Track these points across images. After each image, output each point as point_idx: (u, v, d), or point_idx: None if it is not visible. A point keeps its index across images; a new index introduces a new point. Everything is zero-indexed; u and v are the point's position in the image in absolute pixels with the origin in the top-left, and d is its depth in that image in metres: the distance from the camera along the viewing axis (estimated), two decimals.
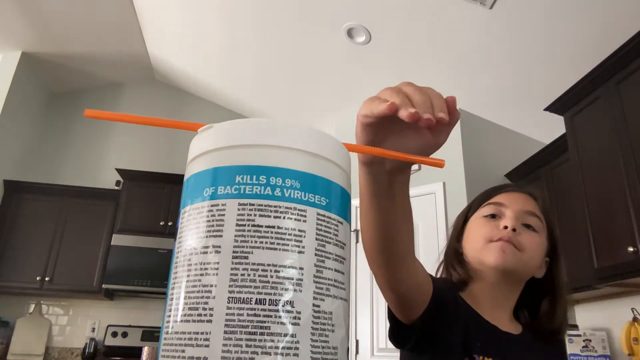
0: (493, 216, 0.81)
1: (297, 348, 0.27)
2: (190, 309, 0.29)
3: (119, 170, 3.87)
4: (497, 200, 0.83)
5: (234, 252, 0.29)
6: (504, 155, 3.41)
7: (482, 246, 0.79)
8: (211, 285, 0.28)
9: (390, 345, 0.83)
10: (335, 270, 0.31)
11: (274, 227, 0.29)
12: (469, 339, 0.73)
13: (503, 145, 3.50)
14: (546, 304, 0.83)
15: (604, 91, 2.42)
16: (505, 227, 0.77)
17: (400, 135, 0.47)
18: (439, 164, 0.42)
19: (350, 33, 3.07)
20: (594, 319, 2.95)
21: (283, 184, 0.30)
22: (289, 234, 0.29)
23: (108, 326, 3.72)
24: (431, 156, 0.45)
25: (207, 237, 0.30)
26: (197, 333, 0.28)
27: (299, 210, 0.30)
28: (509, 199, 0.83)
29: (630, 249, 2.13)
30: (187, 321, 0.28)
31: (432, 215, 3.17)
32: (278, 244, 0.29)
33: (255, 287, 0.28)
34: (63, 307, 3.87)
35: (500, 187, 0.88)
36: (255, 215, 0.29)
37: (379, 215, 0.56)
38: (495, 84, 3.19)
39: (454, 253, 0.86)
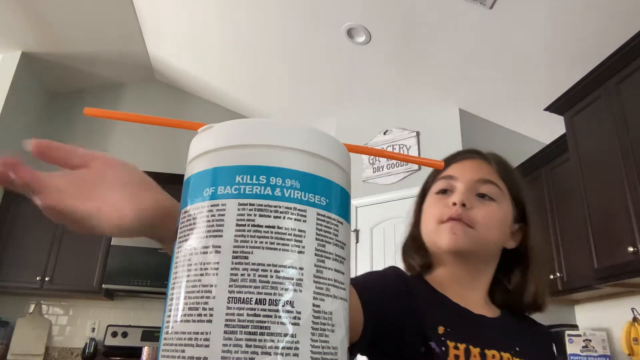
0: (445, 191, 0.74)
1: (297, 348, 0.27)
2: (190, 309, 0.29)
3: None
4: (448, 172, 0.75)
5: (234, 252, 0.29)
6: (504, 155, 3.41)
7: (434, 228, 0.72)
8: (211, 285, 0.28)
9: None
10: (335, 270, 0.31)
11: (274, 227, 0.29)
12: (435, 326, 0.65)
13: (503, 145, 3.48)
14: (517, 275, 0.75)
15: (604, 91, 2.42)
16: (455, 204, 0.70)
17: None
18: (439, 165, 0.43)
19: (350, 33, 3.07)
20: (594, 319, 2.95)
21: (283, 184, 0.30)
22: (289, 234, 0.29)
23: (108, 326, 3.72)
24: (430, 158, 0.46)
25: (207, 237, 0.30)
26: (197, 333, 0.28)
27: (299, 210, 0.30)
28: (460, 169, 0.75)
29: (630, 249, 2.13)
30: (187, 321, 0.28)
31: None
32: (278, 244, 0.29)
33: (255, 287, 0.28)
34: (63, 307, 3.87)
35: (452, 157, 0.79)
36: (255, 215, 0.29)
37: None
38: (495, 84, 3.18)
39: (412, 240, 0.79)
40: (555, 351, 0.78)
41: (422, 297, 0.68)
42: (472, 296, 0.72)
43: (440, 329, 0.65)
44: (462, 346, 0.64)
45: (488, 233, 0.70)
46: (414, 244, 0.78)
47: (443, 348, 0.63)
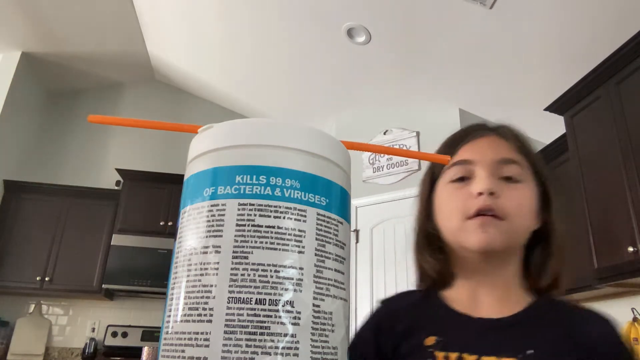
0: (462, 179, 0.63)
1: (297, 348, 0.27)
2: (190, 309, 0.29)
3: (119, 170, 3.87)
4: (462, 157, 0.64)
5: (234, 252, 0.29)
6: None
7: (458, 225, 0.61)
8: (211, 285, 0.28)
9: None
10: (335, 270, 0.31)
11: (274, 227, 0.29)
12: (421, 340, 0.60)
13: None
14: (538, 254, 0.65)
15: (604, 91, 2.42)
16: (480, 194, 0.60)
17: None
18: (444, 160, 0.42)
19: (350, 33, 3.07)
20: None
21: (283, 184, 0.30)
22: (289, 234, 0.29)
23: (108, 326, 3.72)
24: (433, 153, 0.45)
25: (207, 237, 0.30)
26: (197, 333, 0.28)
27: (299, 210, 0.30)
28: (475, 151, 0.64)
29: (630, 249, 2.13)
30: (187, 321, 0.28)
31: None
32: (278, 244, 0.29)
33: (255, 287, 0.28)
34: (63, 307, 3.86)
35: (460, 137, 0.67)
36: (255, 215, 0.29)
37: None
38: (495, 84, 3.18)
39: (426, 237, 0.68)
40: (611, 345, 0.59)
41: (411, 317, 0.62)
42: (487, 294, 0.64)
43: (430, 340, 0.59)
44: (453, 355, 0.58)
45: (522, 223, 0.61)
46: (427, 242, 0.68)
47: None
